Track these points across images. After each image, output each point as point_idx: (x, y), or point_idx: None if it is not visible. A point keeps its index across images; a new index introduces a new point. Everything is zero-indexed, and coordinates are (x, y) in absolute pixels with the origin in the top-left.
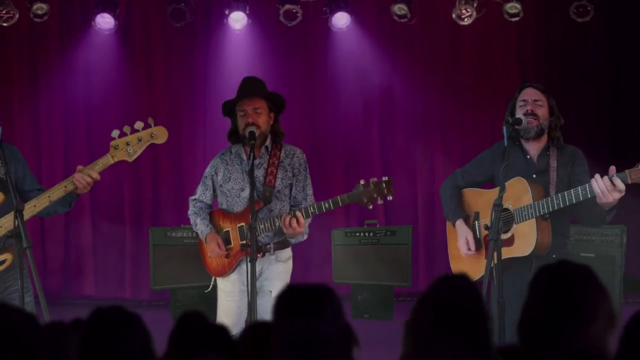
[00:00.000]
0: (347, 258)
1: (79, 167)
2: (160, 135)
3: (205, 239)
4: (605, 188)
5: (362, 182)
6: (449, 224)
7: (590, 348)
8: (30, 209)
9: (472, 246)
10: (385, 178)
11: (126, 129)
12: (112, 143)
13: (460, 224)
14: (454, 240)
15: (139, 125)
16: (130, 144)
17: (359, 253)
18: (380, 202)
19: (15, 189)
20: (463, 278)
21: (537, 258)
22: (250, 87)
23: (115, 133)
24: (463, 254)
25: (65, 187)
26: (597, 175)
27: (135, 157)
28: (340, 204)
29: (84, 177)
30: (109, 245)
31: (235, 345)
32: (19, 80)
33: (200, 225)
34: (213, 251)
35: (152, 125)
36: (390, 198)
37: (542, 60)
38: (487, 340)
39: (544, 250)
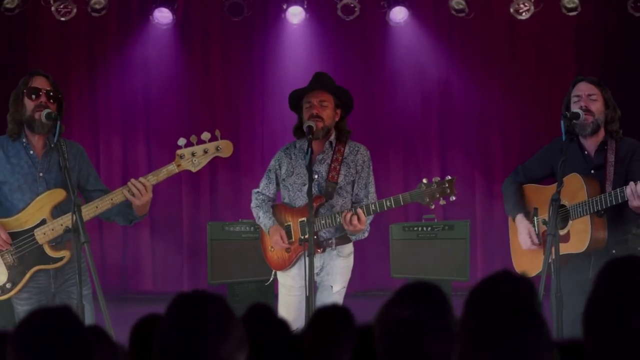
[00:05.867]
0: (405, 252)
1: (131, 180)
2: (225, 149)
3: (269, 231)
4: (634, 194)
5: (424, 181)
6: (510, 219)
7: None
8: (92, 209)
9: (535, 239)
10: (448, 177)
11: (193, 138)
12: (178, 152)
13: (520, 218)
14: (516, 235)
15: (205, 136)
16: (196, 155)
17: (416, 247)
18: (442, 202)
19: (74, 185)
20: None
21: (596, 254)
22: (318, 81)
23: (182, 142)
24: (525, 247)
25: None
26: (632, 183)
27: (199, 168)
28: (402, 203)
29: (137, 183)
30: (166, 240)
31: (297, 340)
32: (77, 75)
33: (263, 219)
34: (277, 243)
35: (219, 137)
36: (453, 198)
37: (600, 55)
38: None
39: (600, 246)
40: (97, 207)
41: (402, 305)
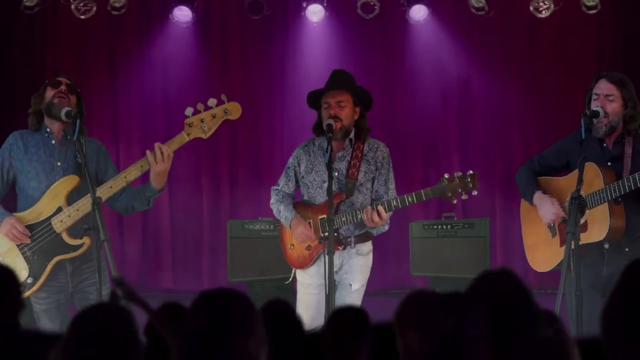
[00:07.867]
0: (425, 251)
1: (157, 143)
2: (234, 111)
3: (290, 224)
4: None
5: (446, 175)
6: (523, 210)
7: None
8: (107, 189)
9: (560, 209)
10: (470, 172)
11: (200, 106)
12: (187, 121)
13: (539, 194)
14: (528, 229)
15: (212, 102)
16: (204, 121)
17: (436, 246)
18: (464, 197)
19: (94, 180)
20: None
21: (610, 252)
22: (336, 80)
23: (189, 111)
24: (547, 220)
25: (141, 166)
26: None
27: (210, 133)
28: (424, 198)
29: (157, 149)
30: (186, 238)
31: (314, 340)
32: (96, 73)
33: (284, 212)
34: (302, 235)
35: (226, 101)
36: (475, 193)
37: (621, 53)
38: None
39: (618, 235)
40: (111, 187)
41: (445, 314)
